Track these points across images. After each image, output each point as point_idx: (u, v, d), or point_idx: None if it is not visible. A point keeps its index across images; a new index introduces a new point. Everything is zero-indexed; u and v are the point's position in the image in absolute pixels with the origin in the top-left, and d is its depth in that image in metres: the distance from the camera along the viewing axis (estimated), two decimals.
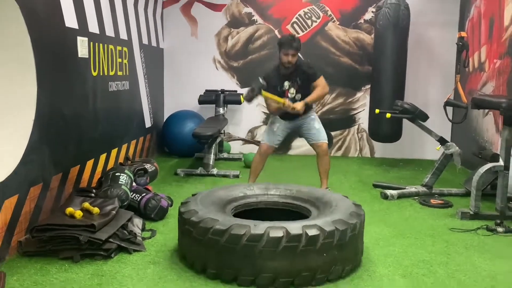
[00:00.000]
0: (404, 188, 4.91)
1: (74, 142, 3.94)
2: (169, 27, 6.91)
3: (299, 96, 4.44)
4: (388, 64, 5.94)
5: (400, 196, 4.77)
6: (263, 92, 4.31)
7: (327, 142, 4.65)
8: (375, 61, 6.22)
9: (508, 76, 5.10)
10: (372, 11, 6.61)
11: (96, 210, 3.37)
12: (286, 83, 4.44)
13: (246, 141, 7.03)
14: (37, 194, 3.34)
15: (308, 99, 4.39)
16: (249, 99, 4.39)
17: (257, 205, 3.49)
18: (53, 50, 3.53)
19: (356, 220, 2.96)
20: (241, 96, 6.60)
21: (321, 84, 4.45)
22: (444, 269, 3.09)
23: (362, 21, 6.78)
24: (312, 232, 2.73)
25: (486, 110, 5.47)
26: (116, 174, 3.97)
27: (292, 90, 4.45)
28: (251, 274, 2.73)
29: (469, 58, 5.46)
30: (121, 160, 5.03)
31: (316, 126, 4.58)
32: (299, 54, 4.47)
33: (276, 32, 6.78)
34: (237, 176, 5.48)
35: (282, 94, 4.42)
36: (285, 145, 6.79)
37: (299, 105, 4.33)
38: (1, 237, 2.96)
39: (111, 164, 4.76)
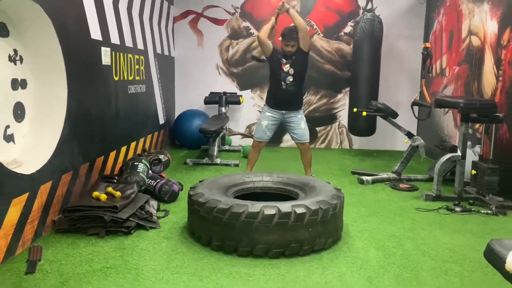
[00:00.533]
0: (378, 175, 4.93)
1: (99, 136, 3.94)
2: (179, 39, 6.88)
3: (292, 70, 4.35)
4: (364, 70, 5.93)
5: (374, 182, 4.80)
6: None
7: (309, 141, 4.61)
8: (353, 67, 6.20)
9: (465, 80, 5.12)
10: (351, 25, 6.60)
11: (118, 193, 3.38)
12: (284, 60, 4.38)
13: (244, 136, 7.03)
14: (68, 180, 3.35)
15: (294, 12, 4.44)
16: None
17: (254, 190, 3.49)
18: (80, 58, 3.52)
19: (337, 201, 2.98)
20: (240, 97, 6.63)
21: None
22: (411, 242, 3.12)
23: (342, 33, 6.77)
24: (300, 210, 2.75)
25: (447, 109, 5.49)
26: (135, 163, 3.97)
27: (287, 65, 4.37)
28: (249, 245, 2.75)
29: (432, 65, 5.48)
30: (139, 151, 5.03)
31: (302, 126, 4.50)
32: None
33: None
34: (237, 165, 5.48)
35: (280, 66, 4.37)
36: (277, 139, 6.81)
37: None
38: (38, 216, 2.97)
39: (130, 155, 4.76)
